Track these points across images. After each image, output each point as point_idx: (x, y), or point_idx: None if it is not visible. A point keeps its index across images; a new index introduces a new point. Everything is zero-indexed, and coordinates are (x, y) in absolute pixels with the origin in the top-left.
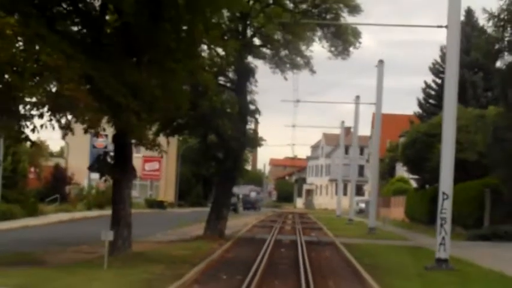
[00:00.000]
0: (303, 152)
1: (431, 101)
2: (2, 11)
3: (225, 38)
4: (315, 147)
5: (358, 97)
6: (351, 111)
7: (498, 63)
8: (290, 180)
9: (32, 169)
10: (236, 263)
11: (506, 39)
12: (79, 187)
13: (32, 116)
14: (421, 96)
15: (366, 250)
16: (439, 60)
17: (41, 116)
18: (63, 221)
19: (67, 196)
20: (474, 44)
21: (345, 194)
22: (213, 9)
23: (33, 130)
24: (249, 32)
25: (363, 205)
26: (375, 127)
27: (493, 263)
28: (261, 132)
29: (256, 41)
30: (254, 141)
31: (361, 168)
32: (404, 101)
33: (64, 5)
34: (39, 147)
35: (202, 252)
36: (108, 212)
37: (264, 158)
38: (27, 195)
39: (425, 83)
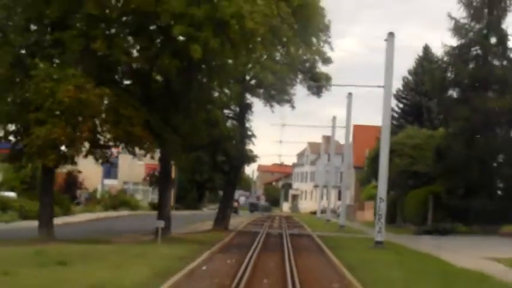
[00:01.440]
0: (289, 159)
1: (394, 122)
2: (95, 83)
3: (231, 82)
4: (300, 155)
5: (334, 117)
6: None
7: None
8: (277, 185)
9: None
10: (240, 244)
11: (449, 78)
12: (88, 191)
13: (112, 147)
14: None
15: (332, 239)
16: (401, 88)
17: (117, 146)
18: (93, 219)
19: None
20: (427, 77)
21: (327, 198)
22: (226, 74)
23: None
24: (247, 77)
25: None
26: (345, 144)
27: (419, 247)
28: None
29: (253, 83)
30: (250, 158)
31: (341, 175)
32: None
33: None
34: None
35: (216, 238)
36: (122, 212)
37: (252, 164)
38: (62, 197)
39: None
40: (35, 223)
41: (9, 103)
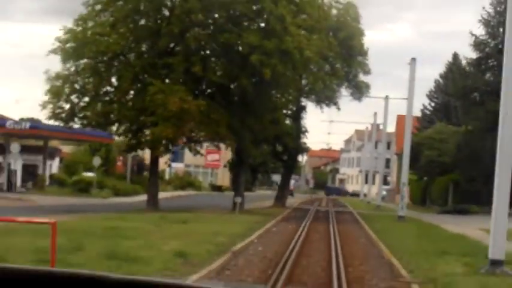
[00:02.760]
0: (337, 144)
1: (426, 118)
2: (193, 96)
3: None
4: (347, 141)
5: (387, 97)
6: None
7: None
8: (325, 169)
9: (120, 157)
10: (297, 216)
11: (469, 84)
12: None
13: (201, 141)
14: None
15: (368, 215)
16: (433, 89)
17: (204, 142)
18: (171, 197)
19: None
20: (451, 83)
21: (373, 183)
22: (286, 86)
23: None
24: (303, 85)
25: (385, 192)
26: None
27: (433, 221)
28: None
29: (307, 89)
30: (304, 150)
31: (387, 161)
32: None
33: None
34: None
35: (278, 212)
36: (189, 192)
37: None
38: (144, 178)
39: (423, 105)
40: (126, 199)
41: (130, 109)
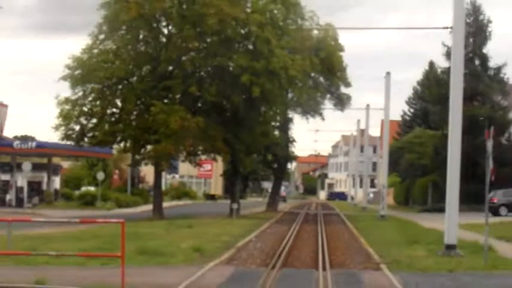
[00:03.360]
0: (325, 150)
1: (406, 124)
2: (192, 114)
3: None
4: (335, 147)
5: (368, 105)
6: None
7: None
8: (314, 175)
9: (116, 171)
10: (288, 219)
11: (443, 92)
12: (148, 185)
13: (199, 155)
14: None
15: (353, 216)
16: (411, 95)
17: (202, 155)
18: (170, 206)
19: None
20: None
21: (360, 186)
22: (274, 101)
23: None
24: (289, 98)
25: (371, 194)
26: (383, 126)
27: (411, 218)
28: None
29: (292, 103)
30: (292, 158)
31: (374, 164)
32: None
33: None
34: (122, 156)
35: (271, 216)
36: (185, 201)
37: (298, 149)
38: (143, 190)
39: (403, 111)
40: (129, 210)
41: (134, 128)
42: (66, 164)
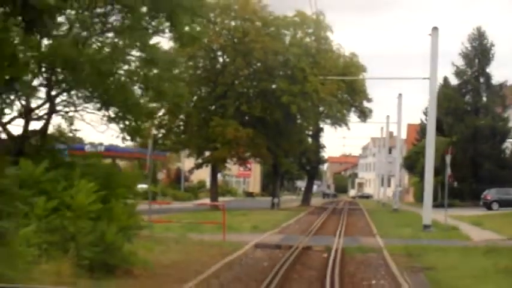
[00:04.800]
0: (356, 150)
1: (423, 132)
2: (243, 126)
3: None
4: (364, 148)
5: (388, 116)
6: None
7: None
8: (345, 174)
9: (164, 171)
10: (319, 211)
11: (451, 105)
12: (191, 183)
13: (247, 159)
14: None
15: (373, 210)
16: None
17: (249, 159)
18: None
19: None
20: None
21: (388, 185)
22: (308, 114)
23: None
24: (320, 111)
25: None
26: (397, 138)
27: (420, 212)
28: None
29: (323, 114)
30: (322, 161)
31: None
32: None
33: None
34: (172, 158)
35: (305, 209)
36: (229, 198)
37: (328, 153)
38: (193, 187)
39: (421, 119)
40: (186, 203)
41: (196, 138)
42: (120, 165)
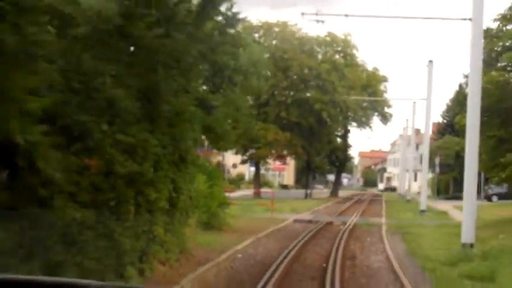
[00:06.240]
0: (385, 146)
1: (439, 133)
2: (282, 130)
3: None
4: (393, 144)
5: (407, 120)
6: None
7: None
8: (375, 169)
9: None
10: (346, 201)
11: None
12: (230, 175)
13: (285, 156)
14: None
15: (391, 201)
16: (445, 109)
17: (287, 156)
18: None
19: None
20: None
21: (415, 180)
22: (336, 118)
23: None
24: (347, 115)
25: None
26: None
27: (429, 203)
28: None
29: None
30: (349, 159)
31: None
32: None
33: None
34: (214, 153)
35: (333, 199)
36: (267, 189)
37: (353, 151)
38: (234, 179)
39: (438, 121)
40: (232, 194)
41: (243, 138)
42: None
